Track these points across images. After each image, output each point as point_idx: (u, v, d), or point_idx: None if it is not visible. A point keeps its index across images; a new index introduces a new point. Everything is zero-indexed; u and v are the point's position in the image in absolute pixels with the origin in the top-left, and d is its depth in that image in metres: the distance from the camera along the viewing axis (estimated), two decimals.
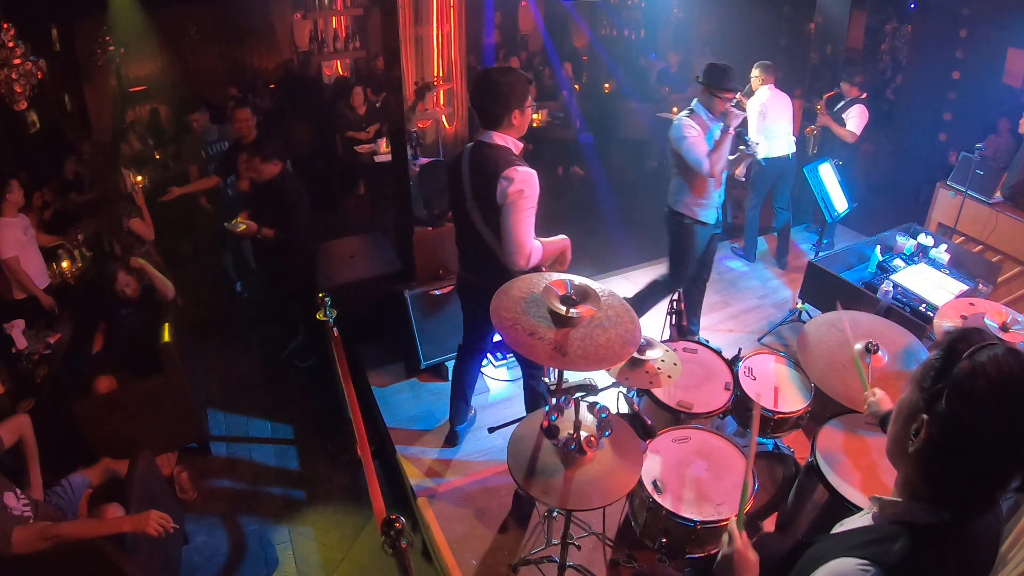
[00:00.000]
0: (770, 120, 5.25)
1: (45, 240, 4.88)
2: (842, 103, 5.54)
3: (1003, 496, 1.25)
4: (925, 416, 1.17)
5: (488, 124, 2.84)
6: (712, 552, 2.46)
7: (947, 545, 1.18)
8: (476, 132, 2.95)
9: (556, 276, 2.29)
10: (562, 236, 3.06)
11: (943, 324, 3.03)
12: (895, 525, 1.23)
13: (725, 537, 1.57)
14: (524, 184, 2.75)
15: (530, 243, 2.84)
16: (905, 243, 4.28)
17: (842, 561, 1.20)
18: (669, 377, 2.65)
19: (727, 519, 2.36)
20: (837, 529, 1.44)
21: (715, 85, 3.76)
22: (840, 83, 5.64)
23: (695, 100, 3.92)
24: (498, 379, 4.34)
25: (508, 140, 2.85)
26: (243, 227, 4.31)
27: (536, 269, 2.91)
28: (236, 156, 5.23)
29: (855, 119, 5.40)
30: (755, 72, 5.37)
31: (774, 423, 2.86)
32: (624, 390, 3.00)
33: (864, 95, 5.56)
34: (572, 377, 2.39)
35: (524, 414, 3.89)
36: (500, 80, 2.78)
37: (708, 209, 3.95)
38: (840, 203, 4.67)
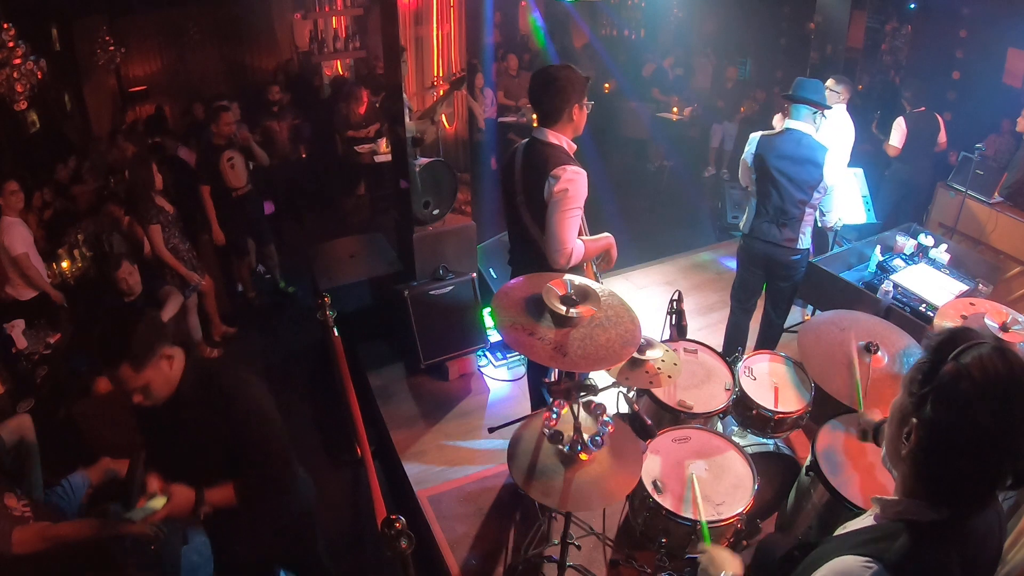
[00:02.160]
0: (839, 145, 4.89)
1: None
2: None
3: (1002, 494, 1.26)
4: (914, 420, 1.18)
5: (545, 120, 2.84)
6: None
7: (948, 542, 1.19)
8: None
9: (556, 276, 2.29)
10: (606, 234, 3.02)
11: (943, 324, 3.03)
12: (897, 523, 1.24)
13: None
14: (570, 183, 2.74)
15: (571, 242, 2.82)
16: (905, 243, 4.27)
17: (844, 559, 1.21)
18: (669, 377, 2.64)
19: (728, 519, 2.37)
20: (840, 531, 1.45)
21: (822, 102, 3.56)
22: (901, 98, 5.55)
23: (804, 124, 3.56)
24: (498, 379, 4.34)
25: (562, 139, 2.85)
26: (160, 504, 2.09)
27: (577, 268, 2.90)
28: (217, 158, 5.20)
29: (896, 132, 5.31)
30: (836, 87, 4.81)
31: (774, 423, 2.86)
32: (624, 390, 3.00)
33: (922, 108, 5.45)
34: None
35: (525, 413, 3.91)
36: (559, 75, 2.78)
37: None
38: (850, 214, 4.62)
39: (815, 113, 3.58)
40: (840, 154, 4.81)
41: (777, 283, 3.95)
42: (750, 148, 3.71)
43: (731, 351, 4.18)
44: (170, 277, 4.70)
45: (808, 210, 3.63)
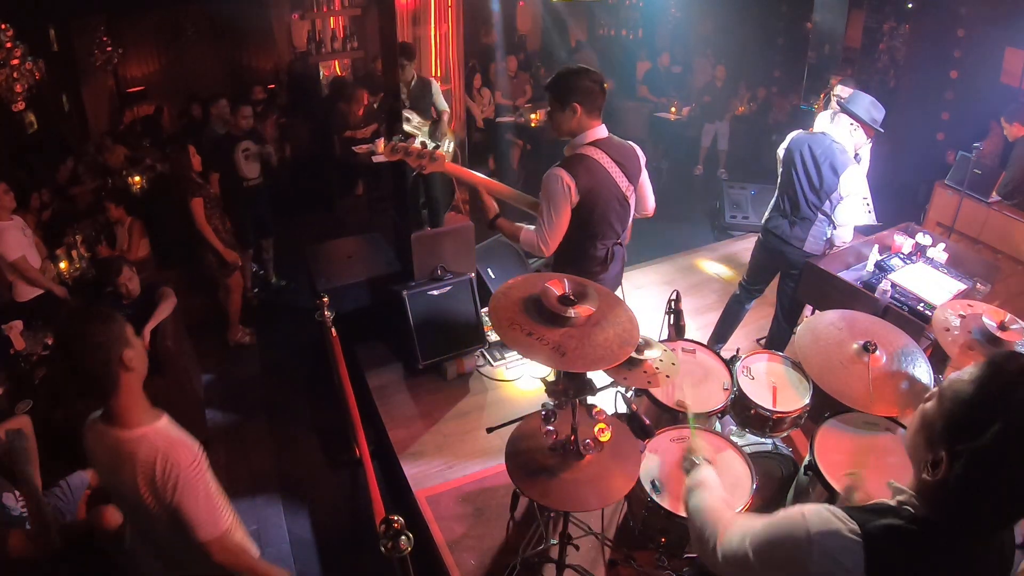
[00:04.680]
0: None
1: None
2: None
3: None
4: (944, 454, 1.14)
5: (599, 118, 2.90)
6: None
7: (942, 542, 1.17)
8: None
9: (555, 276, 2.29)
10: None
11: (946, 314, 3.00)
12: (896, 506, 1.23)
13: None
14: None
15: None
16: (903, 242, 4.28)
17: (833, 511, 1.21)
18: (667, 377, 2.64)
19: None
20: None
21: (868, 123, 3.57)
22: (831, 79, 5.55)
23: (840, 132, 3.61)
24: (496, 379, 4.34)
25: None
26: None
27: None
28: (232, 148, 5.28)
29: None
30: (843, 92, 4.88)
31: (772, 422, 2.86)
32: (622, 390, 3.00)
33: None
34: None
35: (524, 413, 3.91)
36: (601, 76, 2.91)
37: None
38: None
39: (854, 127, 3.63)
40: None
41: (787, 282, 4.01)
42: (784, 143, 3.81)
43: (720, 336, 4.28)
44: (210, 257, 4.76)
45: (821, 216, 3.69)
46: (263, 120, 7.18)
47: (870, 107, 3.62)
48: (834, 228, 3.74)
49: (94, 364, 1.78)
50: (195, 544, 1.92)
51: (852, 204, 3.62)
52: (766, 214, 4.00)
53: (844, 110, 3.64)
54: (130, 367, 1.83)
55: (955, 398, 1.15)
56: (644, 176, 3.11)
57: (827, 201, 3.65)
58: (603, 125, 2.91)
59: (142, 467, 1.83)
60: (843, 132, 3.64)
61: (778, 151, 3.86)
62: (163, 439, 1.87)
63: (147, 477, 1.83)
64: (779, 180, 3.86)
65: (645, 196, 3.17)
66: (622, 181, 2.95)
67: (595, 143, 2.87)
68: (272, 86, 8.65)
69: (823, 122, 3.79)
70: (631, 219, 3.14)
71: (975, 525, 1.16)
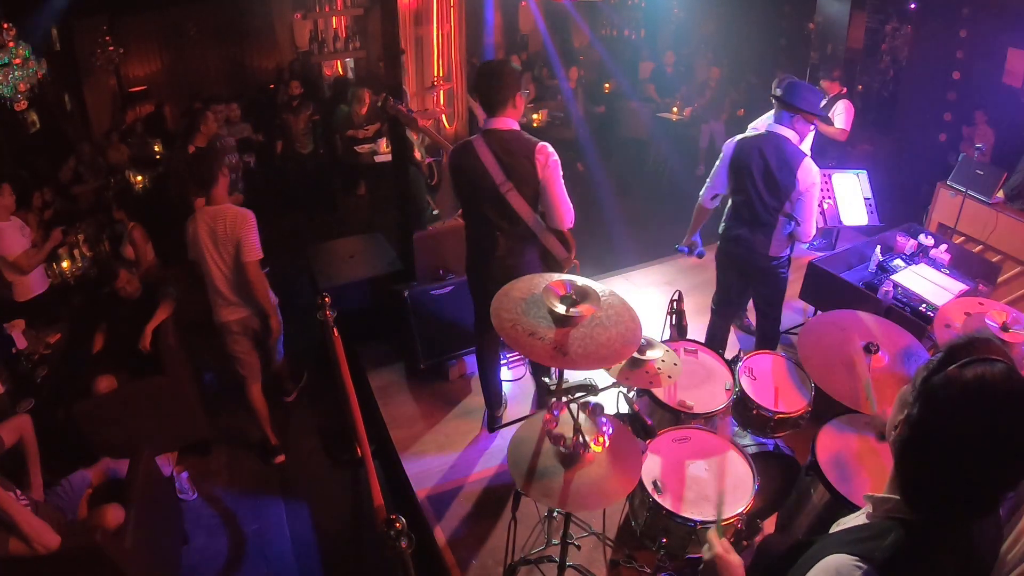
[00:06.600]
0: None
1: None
2: (825, 101, 5.43)
3: (995, 502, 1.24)
4: (905, 413, 1.19)
5: (496, 110, 3.03)
6: None
7: (940, 542, 1.18)
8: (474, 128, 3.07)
9: (556, 277, 2.29)
10: None
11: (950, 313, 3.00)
12: (888, 521, 1.24)
13: (705, 546, 1.60)
14: (555, 154, 3.06)
15: (569, 204, 3.13)
16: (905, 243, 4.27)
17: (835, 557, 1.21)
18: (669, 377, 2.64)
19: (727, 520, 2.37)
20: (834, 529, 1.45)
21: (813, 109, 3.40)
22: (820, 81, 5.57)
23: (783, 128, 3.42)
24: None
25: (515, 123, 3.07)
26: None
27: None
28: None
29: (842, 115, 5.36)
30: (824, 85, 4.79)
31: (774, 423, 2.86)
32: (624, 390, 3.00)
33: (845, 90, 5.53)
34: (572, 377, 2.39)
35: (526, 413, 3.91)
36: (503, 69, 3.05)
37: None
38: (852, 216, 4.65)
39: (794, 118, 3.41)
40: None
41: (758, 289, 3.84)
42: (727, 151, 3.58)
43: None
44: None
45: (782, 218, 3.49)
46: (297, 115, 7.22)
47: (806, 94, 3.38)
48: (796, 226, 3.48)
49: (212, 169, 3.52)
50: (244, 264, 3.55)
51: (812, 198, 3.40)
52: (722, 223, 3.77)
53: (781, 103, 3.41)
54: (225, 173, 3.56)
55: (924, 363, 1.22)
56: (549, 184, 3.03)
57: (787, 202, 3.43)
58: (502, 119, 3.02)
59: (231, 217, 3.50)
60: (787, 126, 3.42)
61: (719, 162, 3.61)
62: (237, 207, 3.60)
63: (235, 221, 3.49)
64: (730, 188, 3.61)
65: (551, 206, 3.08)
66: (497, 175, 3.01)
67: (484, 132, 3.06)
68: (273, 86, 8.65)
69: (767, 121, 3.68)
70: (524, 217, 3.08)
71: (936, 493, 1.19)
